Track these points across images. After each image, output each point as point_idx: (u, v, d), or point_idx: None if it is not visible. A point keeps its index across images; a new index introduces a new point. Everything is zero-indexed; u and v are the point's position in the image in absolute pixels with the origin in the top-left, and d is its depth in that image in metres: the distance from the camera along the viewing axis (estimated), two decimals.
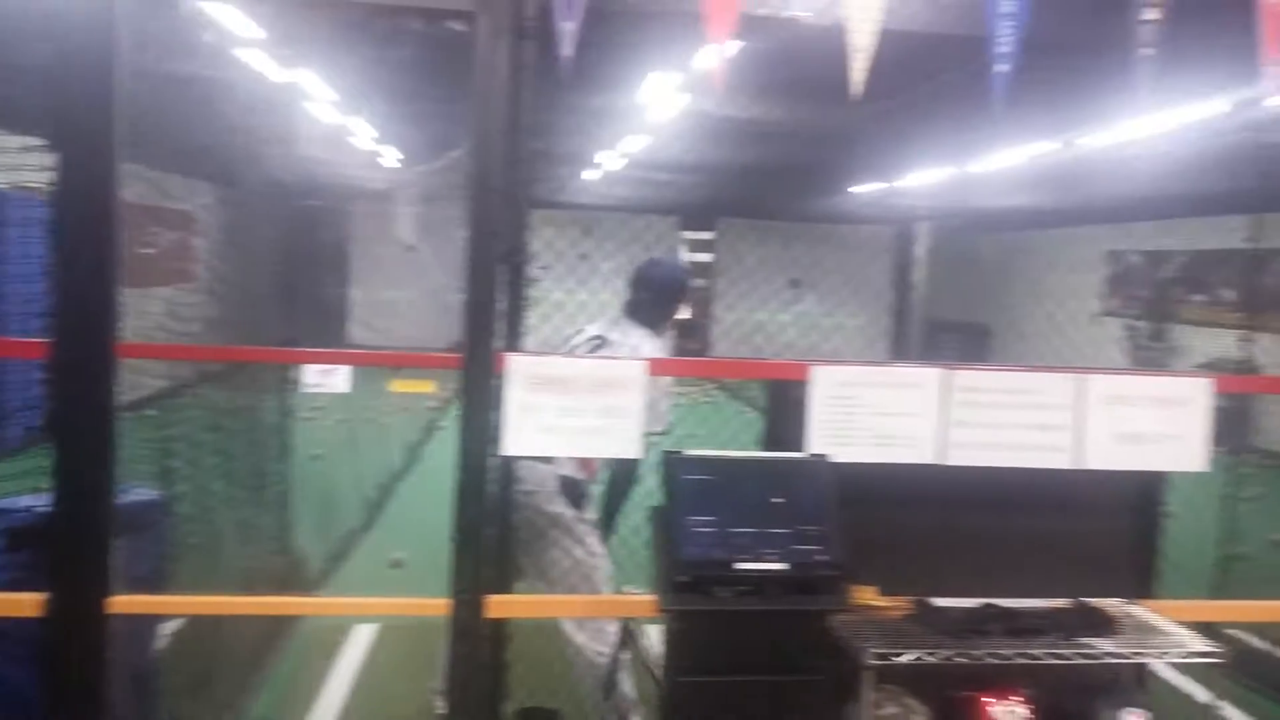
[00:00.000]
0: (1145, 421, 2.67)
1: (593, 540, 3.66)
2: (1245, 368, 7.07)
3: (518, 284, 2.79)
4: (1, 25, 3.51)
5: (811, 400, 2.57)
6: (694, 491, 2.37)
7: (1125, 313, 14.05)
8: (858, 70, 2.40)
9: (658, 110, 7.95)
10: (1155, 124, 7.19)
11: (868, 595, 2.48)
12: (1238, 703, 4.42)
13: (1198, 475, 2.73)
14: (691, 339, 16.54)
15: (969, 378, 2.63)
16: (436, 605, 2.52)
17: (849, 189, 13.67)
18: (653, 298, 3.80)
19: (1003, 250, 15.69)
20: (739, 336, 15.63)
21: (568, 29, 2.41)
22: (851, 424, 2.58)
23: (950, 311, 16.46)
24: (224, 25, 4.91)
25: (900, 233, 16.38)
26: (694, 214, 17.30)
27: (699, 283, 16.43)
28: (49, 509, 2.31)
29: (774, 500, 2.38)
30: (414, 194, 11.67)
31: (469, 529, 2.49)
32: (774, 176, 11.89)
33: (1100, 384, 2.64)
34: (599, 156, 11.77)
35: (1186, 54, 2.89)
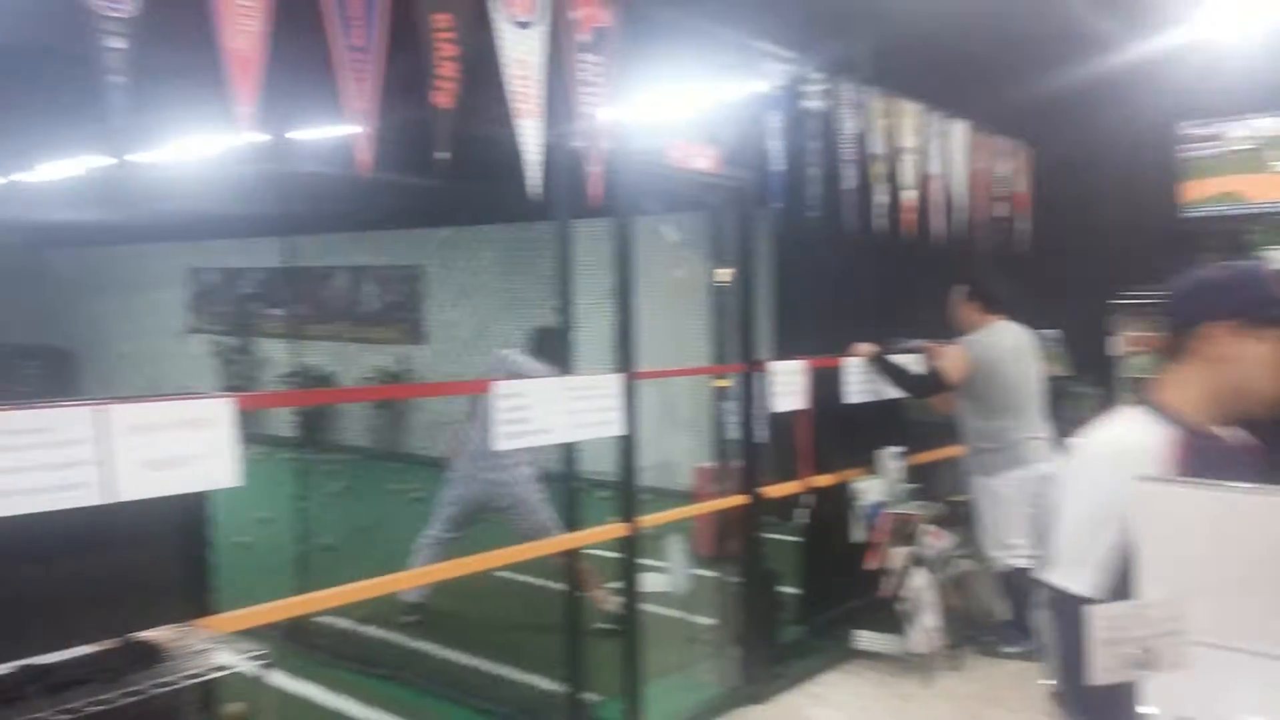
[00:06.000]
0: (175, 445, 2.55)
1: None
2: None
3: None
4: None
5: None
6: None
7: (211, 329, 13.97)
8: None
9: None
10: (201, 147, 7.45)
11: None
12: (331, 683, 4.81)
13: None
14: None
15: None
16: None
17: None
18: None
19: (75, 267, 14.80)
20: None
21: None
22: None
23: (24, 335, 14.77)
24: None
25: None
26: None
27: None
28: None
29: None
30: None
31: None
32: None
33: (123, 413, 2.47)
34: None
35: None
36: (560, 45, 3.45)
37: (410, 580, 4.85)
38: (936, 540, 5.14)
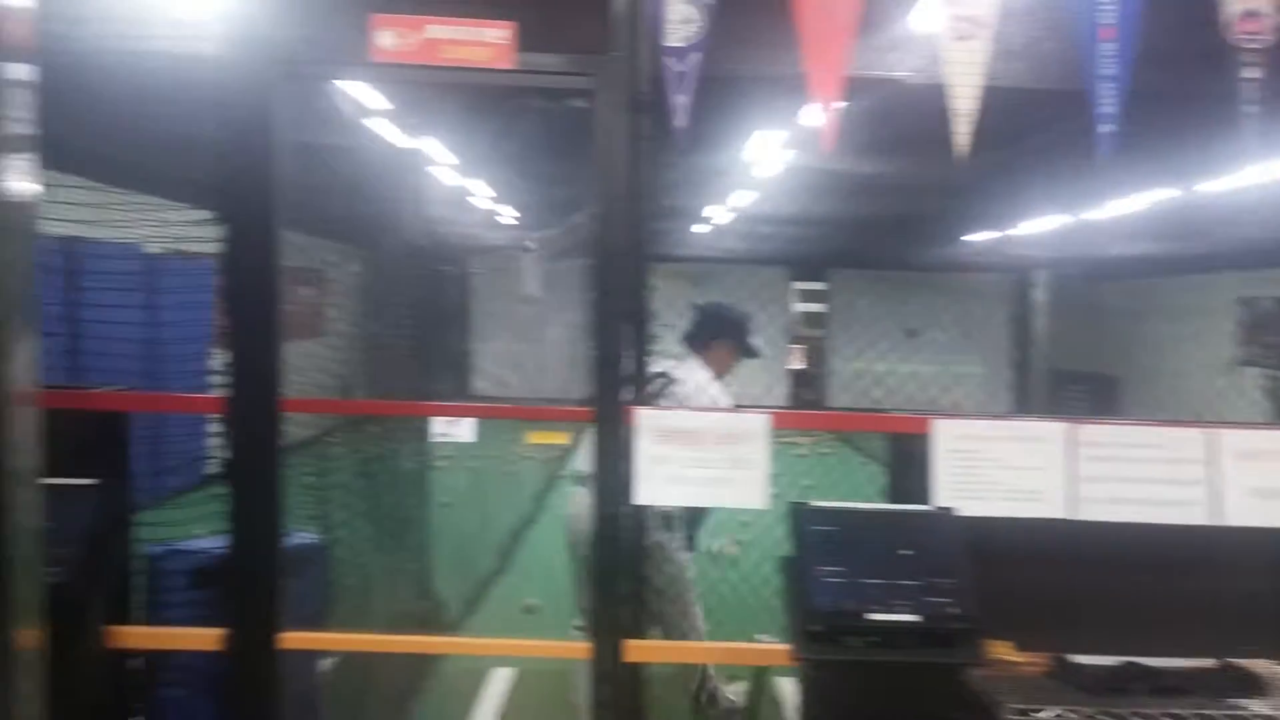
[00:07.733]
0: None
1: (681, 557, 4.00)
2: None
3: (641, 340, 2.87)
4: (173, 101, 3.93)
5: (933, 454, 2.57)
6: (822, 542, 2.38)
7: (1264, 361, 13.11)
8: (962, 133, 2.47)
9: (764, 166, 8.24)
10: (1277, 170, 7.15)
11: (1003, 650, 2.40)
12: None
13: None
14: (807, 389, 16.65)
15: (1095, 432, 2.58)
16: (578, 649, 2.74)
17: (961, 238, 13.46)
18: (707, 337, 4.21)
19: (1126, 298, 15.29)
20: (859, 389, 15.55)
21: (681, 102, 2.57)
22: (976, 478, 2.58)
23: (1074, 362, 15.92)
24: (354, 97, 5.14)
25: (1017, 281, 16.27)
26: (804, 265, 17.17)
27: (812, 333, 17.14)
28: (226, 551, 2.52)
29: (902, 552, 2.37)
30: (538, 251, 11.31)
31: (607, 574, 2.62)
32: (883, 227, 12.17)
33: (1233, 439, 2.57)
34: (707, 211, 11.84)
35: None
36: None
37: None
38: None
